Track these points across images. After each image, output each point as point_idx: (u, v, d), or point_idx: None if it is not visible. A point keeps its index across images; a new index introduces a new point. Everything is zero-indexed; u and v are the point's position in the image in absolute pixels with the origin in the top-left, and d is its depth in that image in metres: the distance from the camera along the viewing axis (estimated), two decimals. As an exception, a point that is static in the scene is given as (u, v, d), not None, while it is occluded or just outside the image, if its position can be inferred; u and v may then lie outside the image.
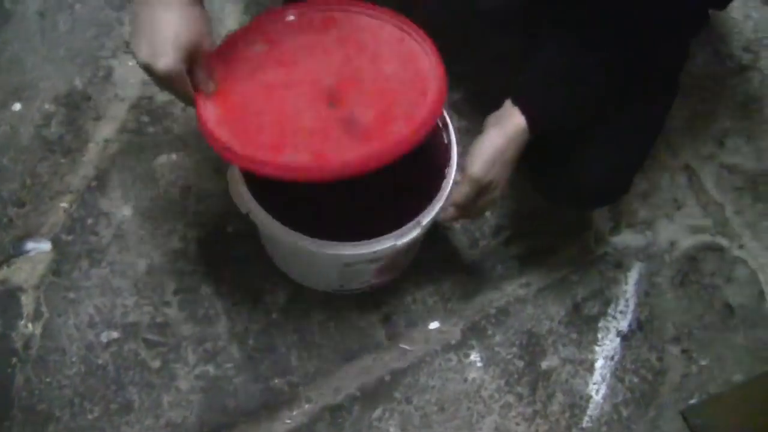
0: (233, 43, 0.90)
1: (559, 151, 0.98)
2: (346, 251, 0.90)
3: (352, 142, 0.83)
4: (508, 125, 0.87)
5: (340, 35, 0.91)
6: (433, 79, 0.87)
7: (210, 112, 0.83)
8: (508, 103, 0.89)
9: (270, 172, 0.81)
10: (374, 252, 0.90)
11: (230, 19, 1.33)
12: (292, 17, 0.91)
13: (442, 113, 0.95)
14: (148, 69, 0.75)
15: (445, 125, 0.98)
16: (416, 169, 1.00)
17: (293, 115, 0.85)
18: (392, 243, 0.90)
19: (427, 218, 0.92)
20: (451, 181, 0.93)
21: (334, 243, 0.90)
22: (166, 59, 0.73)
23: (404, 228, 0.91)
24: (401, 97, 0.86)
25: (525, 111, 0.87)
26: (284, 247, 0.96)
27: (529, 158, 0.92)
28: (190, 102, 0.82)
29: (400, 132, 0.83)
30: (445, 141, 0.98)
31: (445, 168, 0.95)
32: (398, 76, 0.88)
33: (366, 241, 0.90)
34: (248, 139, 0.82)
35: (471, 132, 1.24)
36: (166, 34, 0.73)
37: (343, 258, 0.91)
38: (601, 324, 1.16)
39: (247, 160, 0.81)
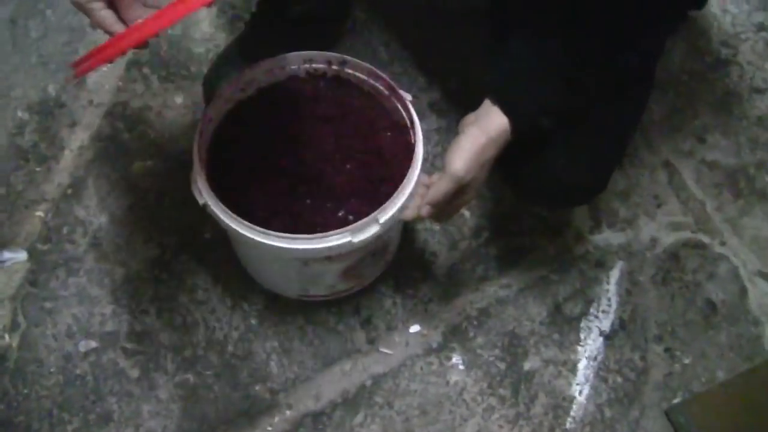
0: None
1: (533, 150, 0.97)
2: (299, 245, 0.87)
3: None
4: (489, 125, 0.86)
5: None
6: None
7: (118, 43, 0.81)
8: (487, 103, 0.88)
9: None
10: (329, 248, 0.87)
11: (205, 23, 1.32)
12: None
13: None
14: None
15: (413, 124, 0.97)
16: (386, 170, 0.99)
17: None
18: (348, 239, 0.87)
19: (385, 216, 0.89)
20: (414, 179, 0.91)
21: (287, 236, 0.87)
22: None
23: (360, 223, 0.88)
24: None
25: (506, 111, 0.86)
26: (242, 244, 0.93)
27: (503, 158, 0.90)
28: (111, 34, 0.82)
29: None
30: (412, 140, 0.97)
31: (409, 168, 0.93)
32: None
33: (320, 235, 0.87)
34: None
35: (450, 131, 1.23)
36: None
37: (295, 252, 0.88)
38: (583, 324, 1.15)
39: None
